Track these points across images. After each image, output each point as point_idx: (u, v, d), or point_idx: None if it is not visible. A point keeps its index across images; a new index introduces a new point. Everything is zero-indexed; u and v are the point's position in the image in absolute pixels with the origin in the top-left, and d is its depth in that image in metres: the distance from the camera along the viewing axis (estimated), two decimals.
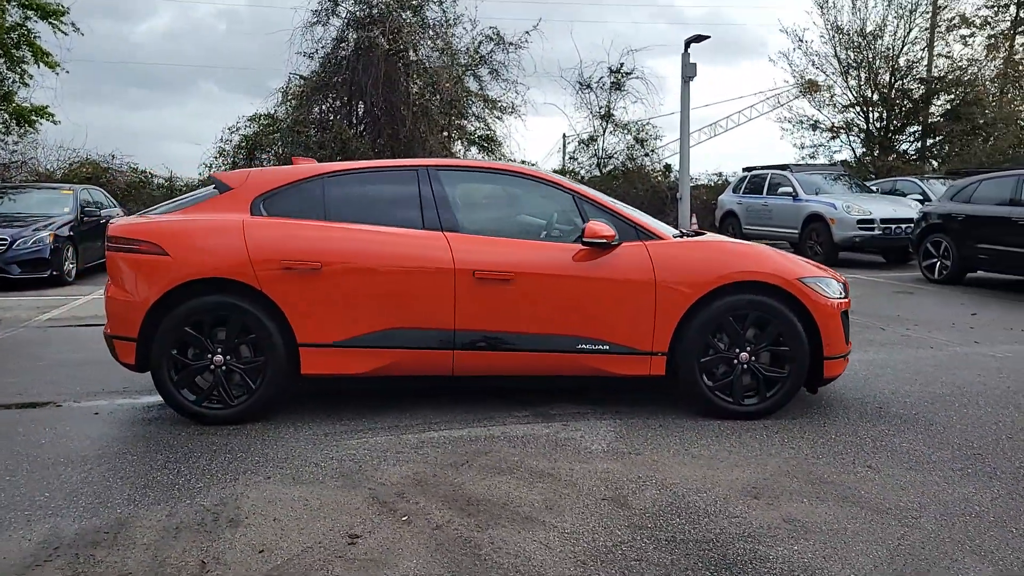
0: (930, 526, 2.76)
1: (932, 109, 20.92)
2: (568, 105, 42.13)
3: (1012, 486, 3.13)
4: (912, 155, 21.63)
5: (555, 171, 19.25)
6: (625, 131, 20.27)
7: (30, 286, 9.63)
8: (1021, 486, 3.13)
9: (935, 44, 21.83)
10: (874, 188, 14.25)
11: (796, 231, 12.66)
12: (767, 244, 5.55)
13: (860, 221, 11.57)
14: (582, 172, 20.70)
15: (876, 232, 11.57)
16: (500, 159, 18.34)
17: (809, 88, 21.88)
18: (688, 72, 14.95)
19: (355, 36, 15.99)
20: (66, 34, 14.61)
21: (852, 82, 21.29)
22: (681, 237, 4.36)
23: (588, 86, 20.02)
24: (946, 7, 21.75)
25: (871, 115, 21.43)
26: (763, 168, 14.55)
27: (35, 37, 14.51)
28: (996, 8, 22.89)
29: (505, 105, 18.34)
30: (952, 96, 20.52)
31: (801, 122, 22.42)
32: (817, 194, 12.72)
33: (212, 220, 4.01)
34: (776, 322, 3.95)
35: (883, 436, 3.77)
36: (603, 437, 3.74)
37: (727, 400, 3.99)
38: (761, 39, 53.95)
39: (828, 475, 3.25)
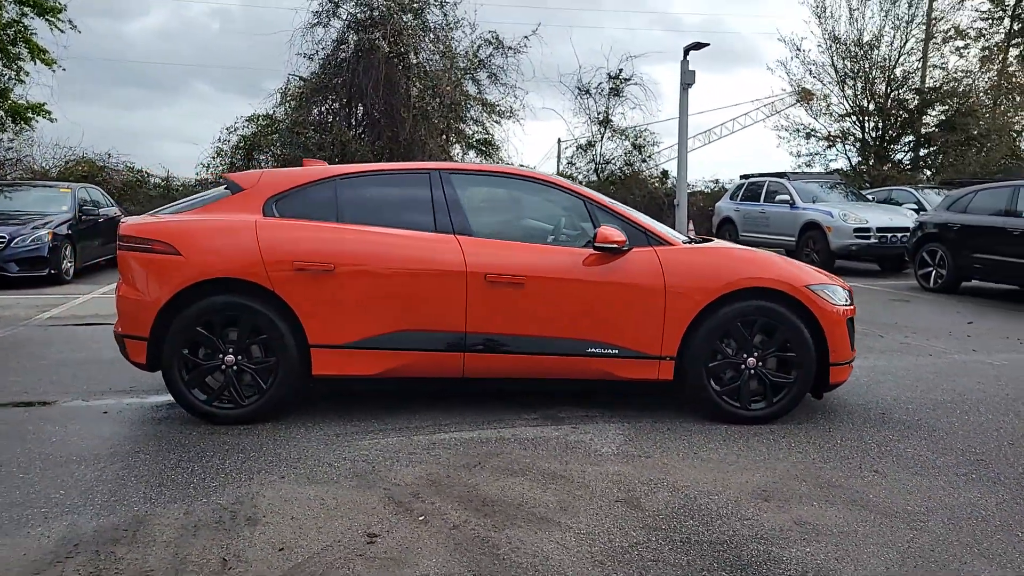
0: (938, 530, 2.81)
1: (927, 119, 21.12)
2: (566, 110, 42.27)
3: (1016, 491, 3.19)
4: (906, 165, 21.82)
5: None
6: (623, 137, 20.36)
7: (28, 284, 9.61)
8: None
9: (930, 55, 22.06)
10: (870, 197, 14.37)
11: (793, 239, 12.75)
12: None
13: (857, 230, 11.67)
14: (580, 177, 20.72)
15: (872, 240, 11.67)
16: (498, 163, 18.37)
17: (803, 96, 22.05)
18: (687, 79, 15.06)
19: (356, 38, 16.01)
20: (63, 31, 14.58)
21: (849, 92, 21.48)
22: (690, 243, 4.41)
23: (587, 91, 20.12)
24: (942, 19, 22.01)
25: (867, 125, 21.61)
26: (761, 176, 14.66)
27: (31, 34, 14.47)
28: (990, 20, 23.19)
29: (503, 109, 18.38)
30: (947, 107, 20.72)
31: (798, 130, 22.64)
32: (814, 202, 12.83)
33: (224, 220, 4.03)
34: (783, 328, 4.00)
35: (888, 441, 3.82)
36: (612, 440, 3.78)
37: (734, 404, 4.04)
38: (757, 47, 54.40)
39: (836, 479, 3.30)
